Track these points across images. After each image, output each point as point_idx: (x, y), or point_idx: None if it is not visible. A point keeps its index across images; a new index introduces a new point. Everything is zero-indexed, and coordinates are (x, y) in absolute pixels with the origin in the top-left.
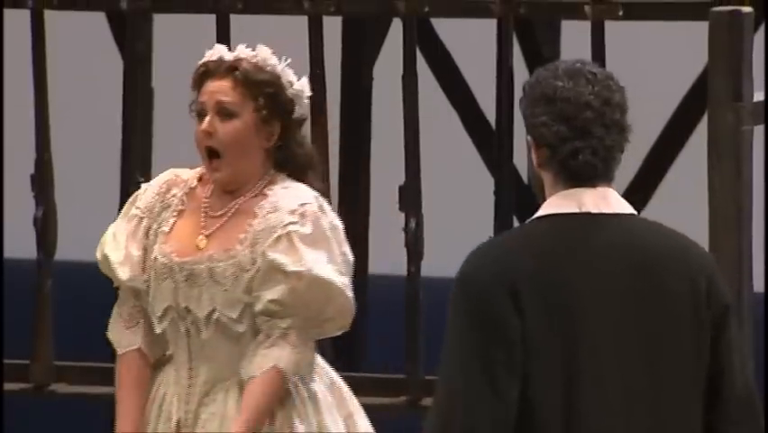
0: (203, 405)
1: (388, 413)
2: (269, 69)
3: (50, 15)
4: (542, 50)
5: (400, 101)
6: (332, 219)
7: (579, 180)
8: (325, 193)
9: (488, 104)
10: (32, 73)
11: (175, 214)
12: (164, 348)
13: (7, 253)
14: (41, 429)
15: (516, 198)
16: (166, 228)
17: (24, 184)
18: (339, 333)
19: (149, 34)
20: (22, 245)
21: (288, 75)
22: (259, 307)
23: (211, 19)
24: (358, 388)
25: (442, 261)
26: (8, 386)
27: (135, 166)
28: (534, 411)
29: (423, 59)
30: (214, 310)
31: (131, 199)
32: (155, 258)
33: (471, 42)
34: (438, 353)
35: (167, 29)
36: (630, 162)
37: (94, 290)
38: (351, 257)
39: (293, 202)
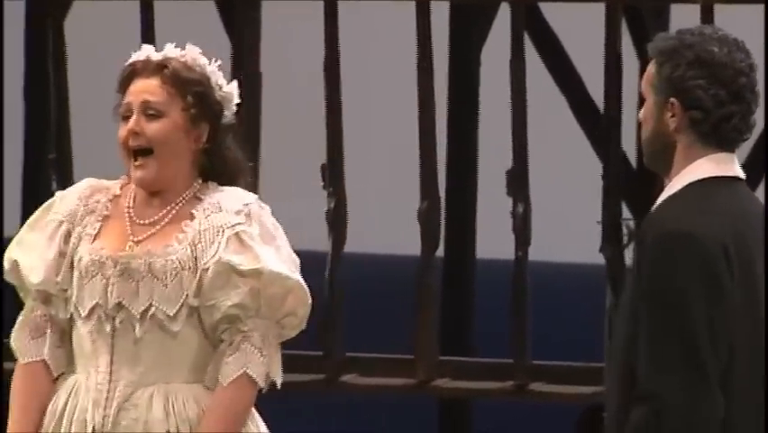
0: (123, 409)
1: (495, 398)
2: (198, 69)
3: (159, 4)
4: (650, 36)
5: (508, 86)
6: (273, 220)
7: (725, 145)
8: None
9: (595, 88)
10: None
11: (100, 219)
12: (68, 363)
13: None
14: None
15: (624, 182)
16: (92, 231)
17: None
18: (296, 332)
19: (257, 21)
20: None
21: (218, 77)
22: (217, 315)
23: (318, 6)
24: (465, 373)
25: (549, 245)
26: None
27: (242, 150)
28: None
29: (531, 44)
30: (151, 306)
31: (45, 206)
32: (80, 258)
33: (580, 27)
34: (545, 337)
35: (275, 15)
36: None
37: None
38: (297, 258)
39: (236, 203)
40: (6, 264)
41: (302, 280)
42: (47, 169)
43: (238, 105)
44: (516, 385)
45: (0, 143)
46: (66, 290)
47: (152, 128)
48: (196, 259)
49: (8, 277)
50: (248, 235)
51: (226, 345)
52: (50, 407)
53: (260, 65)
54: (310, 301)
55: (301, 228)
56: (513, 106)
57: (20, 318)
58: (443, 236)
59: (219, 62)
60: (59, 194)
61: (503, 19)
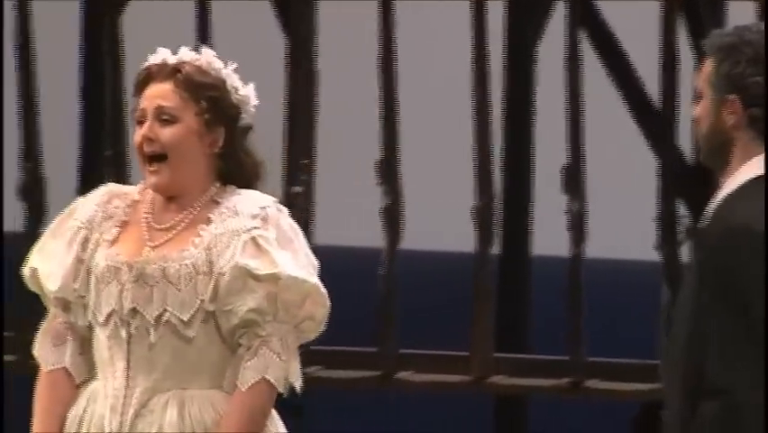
0: (140, 416)
1: (551, 395)
2: (213, 72)
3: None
4: (706, 32)
5: (563, 83)
6: (291, 222)
7: None
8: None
9: (652, 85)
10: None
11: (118, 224)
12: (90, 370)
13: None
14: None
15: (680, 180)
16: (109, 237)
17: None
18: (315, 335)
19: (312, 17)
20: None
21: (234, 80)
22: (235, 320)
23: (374, 3)
24: (520, 370)
25: (604, 242)
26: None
27: (298, 147)
28: None
29: (587, 40)
30: (164, 311)
31: (66, 212)
32: (97, 264)
33: (635, 24)
34: (601, 334)
35: (330, 13)
36: None
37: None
38: (315, 261)
39: (253, 206)
40: (26, 272)
41: (320, 284)
42: (103, 166)
43: (293, 102)
44: (572, 382)
45: None
46: (84, 297)
47: (166, 134)
48: (211, 263)
49: (28, 284)
50: (264, 240)
51: (245, 350)
52: (70, 413)
53: (315, 62)
54: (329, 304)
55: (356, 225)
56: (568, 104)
57: (42, 326)
58: (498, 233)
59: (235, 65)
60: (79, 200)
61: (559, 16)
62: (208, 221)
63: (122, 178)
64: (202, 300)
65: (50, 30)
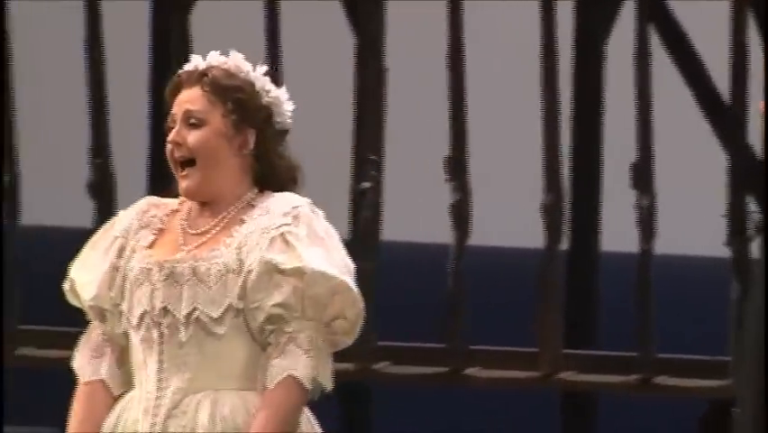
0: (172, 417)
1: (619, 392)
2: (241, 75)
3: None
4: None
5: (632, 79)
6: (326, 225)
7: None
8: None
9: (720, 82)
10: (267, 58)
11: (155, 232)
12: (128, 383)
13: None
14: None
15: (749, 175)
16: (145, 243)
17: None
18: (351, 338)
19: (381, 16)
20: None
21: (264, 82)
22: (261, 316)
23: (441, 5)
24: (589, 366)
25: (674, 238)
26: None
27: (367, 143)
28: None
29: (656, 37)
30: (195, 309)
31: (106, 225)
32: (131, 269)
33: (705, 19)
34: (670, 330)
35: (399, 11)
36: None
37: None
38: (351, 263)
39: (285, 205)
40: (66, 285)
41: (351, 282)
42: None
43: (362, 99)
44: (641, 379)
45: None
46: (119, 304)
47: (193, 137)
48: (241, 262)
49: (68, 296)
50: (293, 236)
51: (272, 348)
52: (105, 422)
53: (384, 60)
54: (362, 304)
55: (425, 221)
56: (638, 99)
57: (81, 339)
58: (567, 229)
59: (265, 68)
60: (120, 212)
61: (628, 14)
62: (242, 222)
63: None
64: (231, 298)
65: (120, 29)
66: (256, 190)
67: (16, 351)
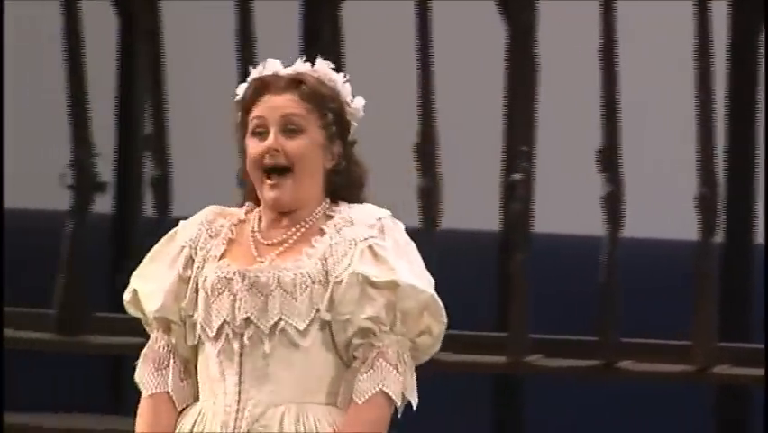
0: (254, 430)
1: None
2: (330, 84)
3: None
4: None
5: None
6: (406, 236)
7: None
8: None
9: None
10: (417, 51)
11: (225, 242)
12: (193, 396)
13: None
14: (423, 398)
15: None
16: (217, 253)
17: (407, 154)
18: (428, 356)
19: (533, 7)
20: (406, 215)
21: (348, 92)
22: (351, 330)
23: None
24: (745, 360)
25: None
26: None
27: (518, 135)
28: None
29: None
30: (280, 320)
31: (167, 237)
32: (205, 278)
33: None
34: None
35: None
36: None
37: (472, 261)
38: (429, 275)
39: (369, 217)
40: (126, 295)
41: (437, 297)
42: None
43: (513, 90)
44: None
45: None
46: (192, 316)
47: (292, 145)
48: (326, 273)
49: (128, 308)
50: (382, 248)
51: (360, 363)
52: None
53: (536, 51)
54: (446, 321)
55: (577, 212)
56: None
57: (144, 351)
58: (722, 221)
59: (347, 77)
60: (181, 223)
61: None
62: (321, 233)
63: None
64: (318, 310)
65: (271, 27)
66: (329, 200)
67: None
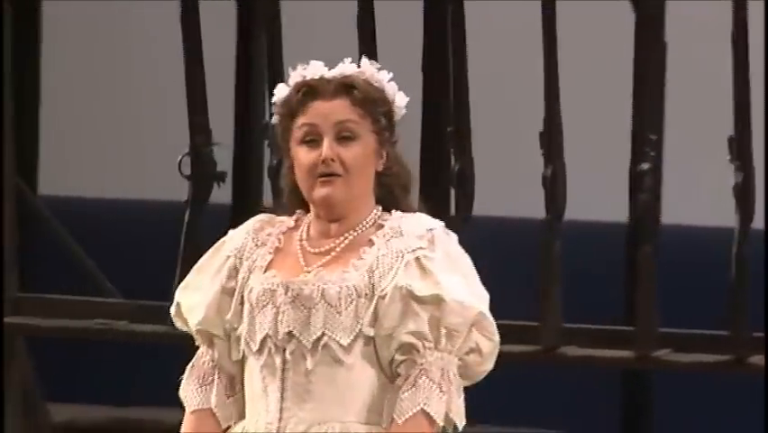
0: None
1: None
2: (377, 85)
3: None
4: None
5: None
6: (460, 249)
7: None
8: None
9: None
10: (543, 37)
11: (271, 251)
12: (238, 413)
13: (516, 213)
14: (549, 392)
15: None
16: (263, 263)
17: (534, 142)
18: (481, 376)
19: None
20: (530, 205)
21: (394, 91)
22: (394, 345)
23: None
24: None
25: None
26: (518, 348)
27: (646, 123)
28: None
29: None
30: (323, 335)
31: (214, 247)
32: (251, 290)
33: None
34: None
35: None
36: None
37: (598, 253)
38: (486, 292)
39: (419, 228)
40: (172, 309)
41: (488, 313)
42: (446, 143)
43: (642, 75)
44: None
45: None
46: (237, 329)
47: (348, 153)
48: (373, 286)
49: (176, 322)
50: (429, 261)
51: (402, 380)
52: None
53: (665, 36)
54: (497, 339)
55: (706, 203)
56: None
57: (188, 368)
58: None
59: (392, 75)
60: (229, 233)
61: None
62: (371, 243)
63: (464, 155)
64: (362, 325)
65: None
66: (380, 208)
67: None
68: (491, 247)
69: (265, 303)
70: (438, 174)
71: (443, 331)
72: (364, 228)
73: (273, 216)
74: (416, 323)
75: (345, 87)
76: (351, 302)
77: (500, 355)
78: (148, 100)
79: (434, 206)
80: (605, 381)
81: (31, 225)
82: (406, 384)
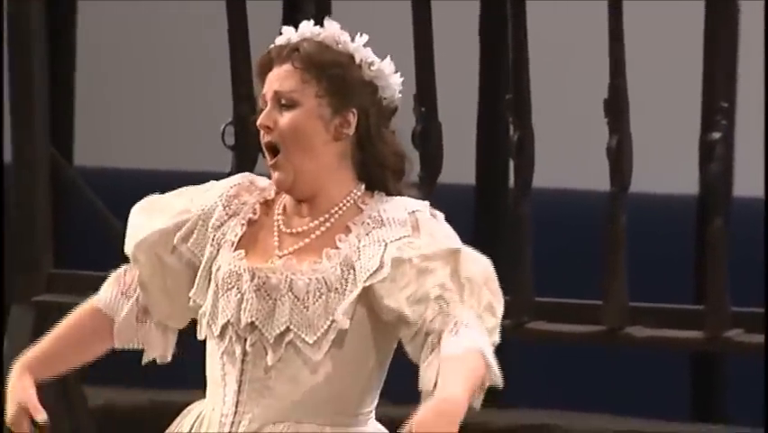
0: None
1: None
2: (338, 47)
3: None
4: None
5: None
6: (447, 227)
7: None
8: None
9: None
10: (609, 2)
11: (243, 223)
12: (131, 341)
13: (580, 184)
14: (615, 374)
15: None
16: (233, 238)
17: (598, 111)
18: (492, 341)
19: None
20: (594, 176)
21: (365, 53)
22: (418, 309)
23: None
24: None
25: None
26: (580, 328)
27: (717, 90)
28: None
29: None
30: (288, 330)
31: (203, 187)
32: (218, 268)
33: None
34: None
35: None
36: None
37: (667, 227)
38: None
39: (401, 212)
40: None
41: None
42: (504, 111)
43: (713, 39)
44: None
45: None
46: (201, 306)
47: (283, 120)
48: (345, 281)
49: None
50: (415, 246)
51: (436, 337)
52: (171, 430)
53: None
54: (502, 300)
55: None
56: None
57: (119, 269)
58: None
59: (366, 37)
60: (211, 183)
61: None
62: (347, 230)
63: (524, 122)
64: (333, 319)
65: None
66: (362, 187)
67: None
68: (552, 221)
69: (230, 286)
70: (497, 143)
71: (465, 282)
72: (341, 211)
73: (255, 178)
74: (435, 277)
75: (292, 51)
76: (319, 296)
77: (561, 336)
78: (189, 68)
79: (491, 176)
80: (673, 363)
81: (66, 198)
82: (448, 333)
